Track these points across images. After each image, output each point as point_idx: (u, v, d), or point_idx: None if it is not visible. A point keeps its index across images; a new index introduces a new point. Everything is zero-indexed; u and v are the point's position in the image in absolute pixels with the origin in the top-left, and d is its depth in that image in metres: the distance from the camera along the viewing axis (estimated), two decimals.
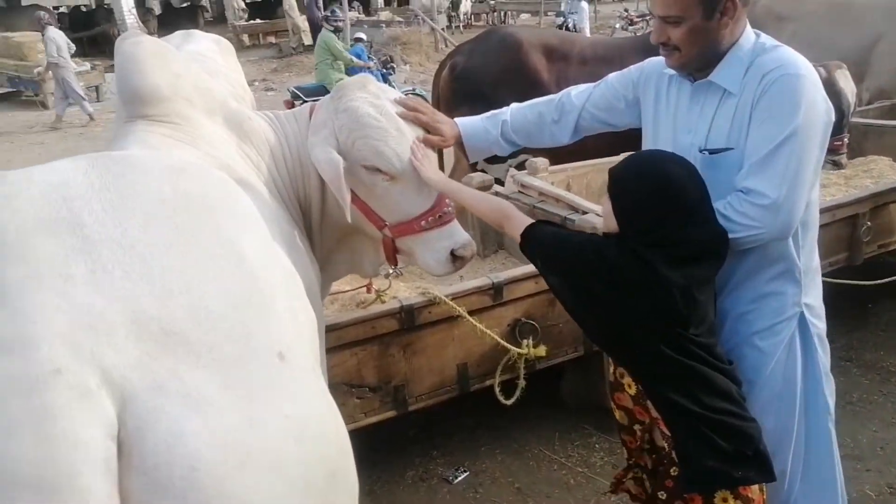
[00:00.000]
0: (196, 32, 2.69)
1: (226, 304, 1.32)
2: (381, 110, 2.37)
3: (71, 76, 13.96)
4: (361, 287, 3.50)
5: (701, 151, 2.26)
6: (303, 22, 21.32)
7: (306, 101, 10.94)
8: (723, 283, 2.30)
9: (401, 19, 22.74)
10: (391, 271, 2.70)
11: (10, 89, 16.54)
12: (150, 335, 1.20)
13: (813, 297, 2.40)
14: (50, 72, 14.01)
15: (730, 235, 2.10)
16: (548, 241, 2.20)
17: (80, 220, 1.27)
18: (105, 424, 1.11)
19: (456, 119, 2.71)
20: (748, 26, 2.26)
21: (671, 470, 2.13)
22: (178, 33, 2.68)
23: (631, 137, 2.71)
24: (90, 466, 1.08)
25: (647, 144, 2.49)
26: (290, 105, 10.97)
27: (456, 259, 2.47)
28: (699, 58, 2.23)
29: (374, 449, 3.61)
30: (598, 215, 3.45)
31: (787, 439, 2.38)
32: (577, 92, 2.68)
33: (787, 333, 2.33)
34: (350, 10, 18.32)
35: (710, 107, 2.27)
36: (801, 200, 2.14)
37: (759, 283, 2.31)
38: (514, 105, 2.78)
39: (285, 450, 1.27)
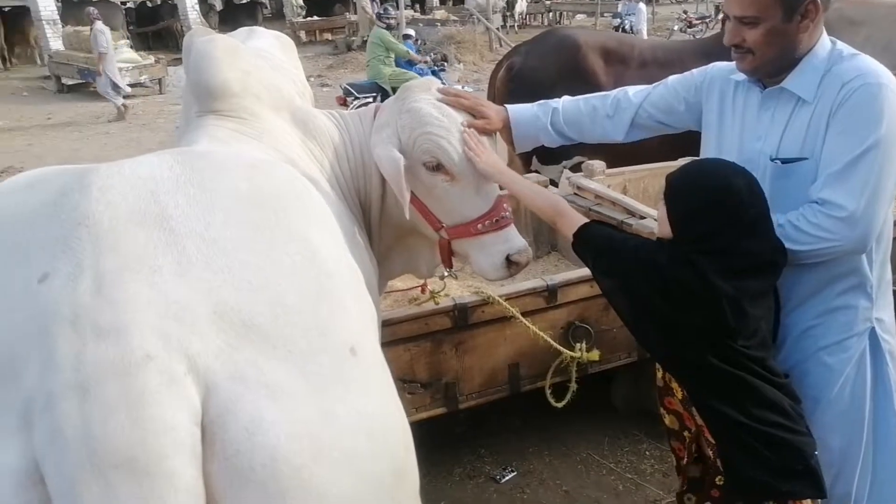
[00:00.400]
0: (259, 29, 2.74)
1: (301, 299, 1.35)
2: (444, 112, 2.40)
3: (113, 68, 14.60)
4: (416, 287, 3.53)
5: (772, 160, 2.20)
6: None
7: (358, 98, 11.03)
8: (788, 297, 2.24)
9: (456, 18, 22.82)
10: (446, 273, 2.72)
11: (80, 80, 17.05)
12: (230, 326, 1.24)
13: (885, 311, 2.31)
14: (101, 65, 14.46)
15: (802, 248, 2.06)
16: (600, 242, 2.19)
17: (166, 214, 1.31)
18: (191, 411, 1.15)
19: (505, 105, 2.69)
20: (825, 33, 2.19)
21: (717, 479, 2.11)
22: (242, 30, 2.73)
23: (690, 142, 2.68)
24: (178, 451, 1.12)
25: (708, 150, 2.45)
26: (343, 101, 11.07)
27: (511, 265, 2.48)
28: (774, 62, 2.17)
29: (422, 445, 3.60)
30: (655, 220, 3.43)
31: (854, 459, 2.30)
32: (634, 91, 2.64)
33: (856, 349, 2.25)
34: (406, 9, 18.41)
35: (783, 115, 2.20)
36: (880, 214, 2.08)
37: (827, 298, 2.23)
38: (566, 97, 2.74)
39: (357, 445, 1.29)
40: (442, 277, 2.90)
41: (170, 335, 1.17)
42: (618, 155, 4.34)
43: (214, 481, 1.16)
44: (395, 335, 3.04)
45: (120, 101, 14.62)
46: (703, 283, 1.94)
